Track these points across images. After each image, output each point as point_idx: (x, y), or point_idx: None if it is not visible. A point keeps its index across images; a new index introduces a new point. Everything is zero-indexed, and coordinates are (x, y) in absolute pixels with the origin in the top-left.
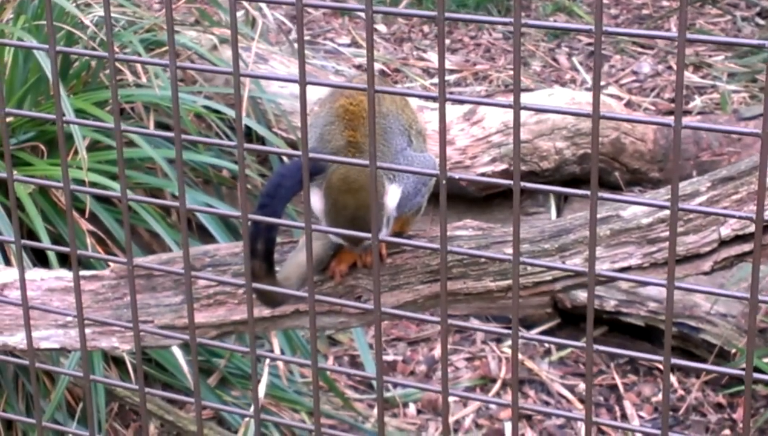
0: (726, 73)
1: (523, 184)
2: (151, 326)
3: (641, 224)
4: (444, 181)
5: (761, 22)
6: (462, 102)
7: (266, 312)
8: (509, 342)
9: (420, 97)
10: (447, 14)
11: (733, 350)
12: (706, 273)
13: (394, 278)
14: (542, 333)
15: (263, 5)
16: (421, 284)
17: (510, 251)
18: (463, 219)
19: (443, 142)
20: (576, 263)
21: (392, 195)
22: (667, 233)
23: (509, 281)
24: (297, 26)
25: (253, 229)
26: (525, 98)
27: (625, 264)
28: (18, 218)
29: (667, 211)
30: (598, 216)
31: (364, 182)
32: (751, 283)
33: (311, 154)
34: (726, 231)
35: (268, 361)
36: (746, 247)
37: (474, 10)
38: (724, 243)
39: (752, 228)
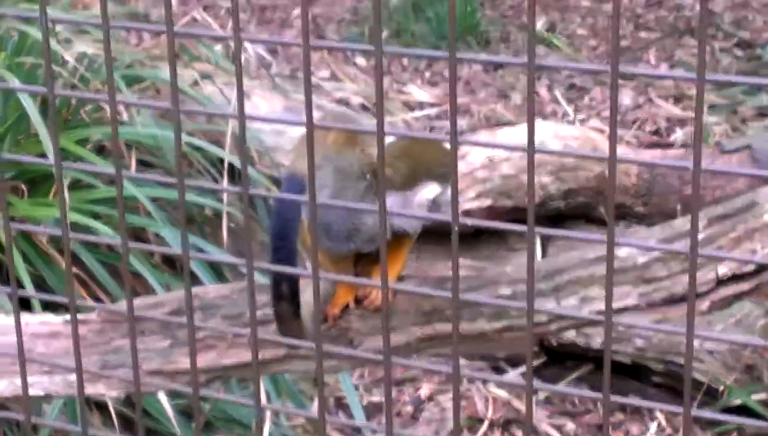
0: (707, 105)
1: (538, 229)
2: (141, 372)
3: (637, 264)
4: (456, 228)
5: (739, 53)
6: (476, 145)
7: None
8: (495, 380)
9: (435, 139)
10: (459, 55)
11: (721, 387)
12: (703, 313)
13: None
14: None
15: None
16: (414, 326)
17: (504, 290)
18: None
19: (455, 187)
20: (572, 303)
21: (430, 189)
22: (663, 273)
23: (504, 323)
24: (303, 69)
25: (275, 272)
26: (508, 133)
27: (621, 305)
28: None
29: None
30: (593, 256)
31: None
32: None
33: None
34: (723, 270)
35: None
36: (744, 286)
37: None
38: (721, 282)
39: (750, 267)
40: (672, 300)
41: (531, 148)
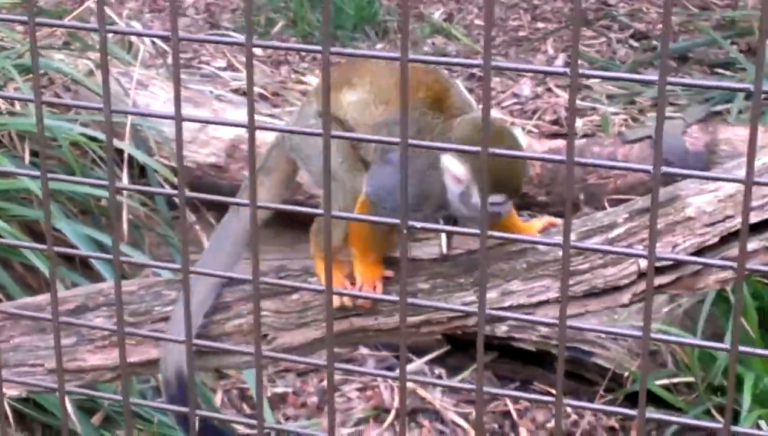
0: (605, 96)
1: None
2: (42, 370)
3: (557, 257)
4: (404, 231)
5: (635, 44)
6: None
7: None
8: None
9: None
10: (332, 49)
11: (626, 374)
12: (624, 305)
13: (302, 316)
14: (432, 361)
15: (138, 28)
16: None
17: (423, 285)
18: None
19: (404, 188)
20: (492, 297)
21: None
22: (585, 266)
23: (421, 317)
24: (172, 61)
25: None
26: None
27: (542, 298)
28: None
29: (584, 243)
30: (513, 248)
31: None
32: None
33: (260, 204)
34: (645, 263)
35: None
36: (665, 279)
37: (351, 30)
38: (642, 275)
39: (679, 258)
40: (592, 293)
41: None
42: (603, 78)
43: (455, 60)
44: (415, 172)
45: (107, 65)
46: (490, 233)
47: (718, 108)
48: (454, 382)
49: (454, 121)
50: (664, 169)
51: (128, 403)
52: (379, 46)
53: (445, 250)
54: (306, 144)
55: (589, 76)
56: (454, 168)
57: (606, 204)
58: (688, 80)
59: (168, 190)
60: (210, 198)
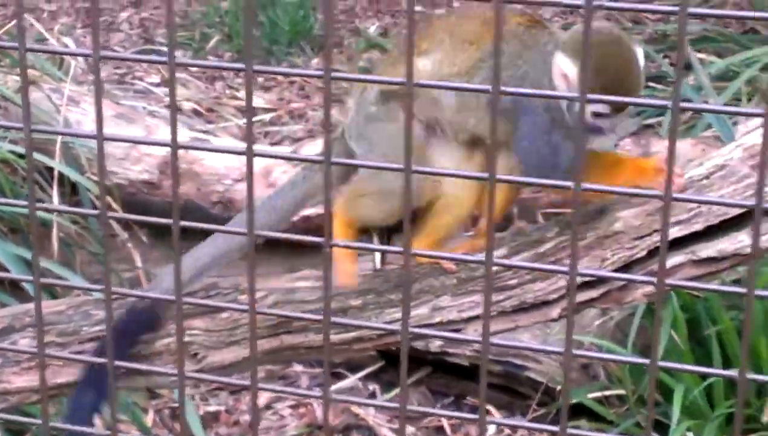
0: None
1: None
2: None
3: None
4: (327, 249)
5: None
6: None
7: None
8: (334, 387)
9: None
10: (255, 67)
11: (558, 387)
12: (554, 320)
13: (232, 334)
14: (366, 376)
15: (70, 44)
16: (261, 338)
17: (354, 302)
18: (290, 261)
19: (329, 203)
20: (423, 312)
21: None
22: (514, 281)
23: (353, 334)
24: (93, 79)
25: None
26: None
27: (472, 313)
28: None
29: (510, 260)
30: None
31: (617, 34)
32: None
33: (182, 223)
34: None
35: None
36: (593, 293)
37: (287, 46)
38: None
39: (599, 274)
40: (522, 308)
41: (408, 169)
42: (522, 95)
43: (379, 78)
44: (532, 86)
45: (27, 84)
46: (414, 251)
47: (650, 121)
48: (383, 400)
49: (560, 33)
50: (585, 185)
51: (47, 427)
52: (314, 61)
53: (378, 265)
54: (372, 130)
55: (509, 94)
56: (564, 66)
57: (540, 217)
58: (607, 97)
59: (90, 210)
60: (131, 218)
